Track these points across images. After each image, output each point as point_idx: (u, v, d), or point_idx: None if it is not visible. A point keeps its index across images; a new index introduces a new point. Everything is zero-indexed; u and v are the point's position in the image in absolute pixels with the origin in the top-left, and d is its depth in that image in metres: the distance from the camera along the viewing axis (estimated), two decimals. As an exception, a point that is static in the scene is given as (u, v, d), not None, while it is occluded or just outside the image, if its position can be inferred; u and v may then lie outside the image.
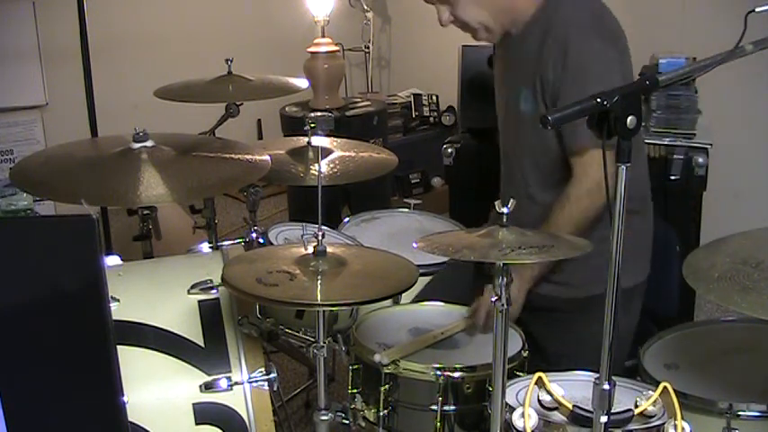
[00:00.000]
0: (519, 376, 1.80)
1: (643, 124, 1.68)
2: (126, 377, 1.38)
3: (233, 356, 1.82)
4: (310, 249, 1.71)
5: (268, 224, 2.44)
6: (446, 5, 2.08)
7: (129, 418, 1.49)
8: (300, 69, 3.94)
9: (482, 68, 3.33)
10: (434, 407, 1.79)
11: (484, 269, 2.10)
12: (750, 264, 1.50)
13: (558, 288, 2.13)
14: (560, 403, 1.59)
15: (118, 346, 1.37)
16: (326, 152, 2.36)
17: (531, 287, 2.06)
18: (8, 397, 1.30)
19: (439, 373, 1.77)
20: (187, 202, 2.70)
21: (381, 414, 1.82)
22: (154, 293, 1.93)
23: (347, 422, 1.89)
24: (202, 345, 1.82)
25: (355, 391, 1.90)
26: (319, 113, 1.90)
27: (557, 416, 1.59)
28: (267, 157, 2.14)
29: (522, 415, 1.56)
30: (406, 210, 2.76)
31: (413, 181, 4.58)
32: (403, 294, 1.86)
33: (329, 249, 1.71)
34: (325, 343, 1.76)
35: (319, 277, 1.65)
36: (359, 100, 4.28)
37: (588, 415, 1.50)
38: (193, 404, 1.76)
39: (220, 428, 1.77)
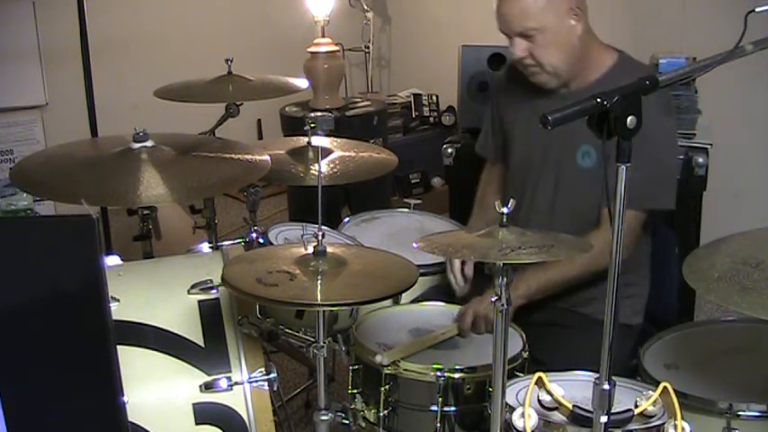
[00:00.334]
0: (519, 376, 1.80)
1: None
2: (126, 377, 1.38)
3: (233, 356, 1.82)
4: (310, 249, 1.71)
5: (268, 224, 2.44)
6: (527, 41, 2.07)
7: (129, 418, 1.49)
8: (300, 69, 3.93)
9: (482, 68, 3.34)
10: (434, 407, 1.79)
11: (484, 269, 2.11)
12: (750, 264, 1.50)
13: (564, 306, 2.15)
14: (560, 403, 1.59)
15: (118, 346, 1.37)
16: (326, 152, 2.36)
17: (525, 303, 2.06)
18: (8, 397, 1.30)
19: (439, 373, 1.77)
20: (187, 202, 2.70)
21: (381, 414, 1.82)
22: (154, 293, 1.93)
23: (347, 422, 1.89)
24: (202, 345, 1.82)
25: (355, 391, 1.90)
26: (319, 113, 1.90)
27: (557, 416, 1.59)
28: (267, 157, 2.14)
29: (522, 415, 1.56)
30: (406, 210, 2.76)
31: (413, 181, 4.58)
32: (403, 294, 1.86)
33: (329, 249, 1.71)
34: (325, 343, 1.76)
35: (319, 277, 1.65)
36: (359, 100, 4.28)
37: (588, 415, 1.50)
38: (193, 404, 1.76)
39: (220, 428, 1.77)
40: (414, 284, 1.68)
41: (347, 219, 2.64)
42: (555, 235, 1.71)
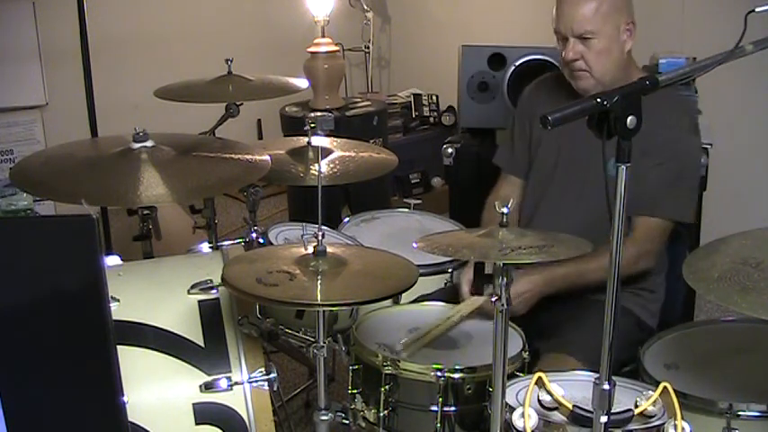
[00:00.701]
0: (519, 376, 1.80)
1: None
2: (126, 377, 1.38)
3: (233, 356, 1.82)
4: (310, 249, 1.71)
5: (268, 224, 2.44)
6: (581, 45, 2.11)
7: (129, 418, 1.49)
8: (300, 69, 3.93)
9: (482, 68, 3.34)
10: (435, 407, 1.79)
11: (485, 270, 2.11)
12: (750, 264, 1.50)
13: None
14: (560, 403, 1.59)
15: (118, 346, 1.37)
16: (326, 152, 2.36)
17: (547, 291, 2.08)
18: (8, 397, 1.30)
19: (439, 373, 1.77)
20: (187, 202, 2.70)
21: (381, 414, 1.82)
22: (154, 293, 1.93)
23: (347, 422, 1.89)
24: (202, 345, 1.82)
25: (355, 391, 1.90)
26: (319, 113, 1.91)
27: (557, 416, 1.59)
28: (267, 157, 2.14)
29: (522, 415, 1.56)
30: (406, 210, 2.76)
31: (413, 181, 4.58)
32: (403, 294, 1.86)
33: (329, 249, 1.71)
34: (325, 343, 1.76)
35: (319, 277, 1.65)
36: (359, 100, 4.28)
37: (588, 415, 1.50)
38: (193, 404, 1.76)
39: (220, 428, 1.77)
40: (414, 284, 1.68)
41: (347, 219, 2.64)
42: (555, 235, 1.71)
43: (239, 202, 4.03)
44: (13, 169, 2.20)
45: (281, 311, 1.96)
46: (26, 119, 4.32)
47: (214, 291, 1.92)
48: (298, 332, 2.00)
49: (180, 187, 1.98)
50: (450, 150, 3.34)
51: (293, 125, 3.84)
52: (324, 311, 1.75)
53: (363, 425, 1.88)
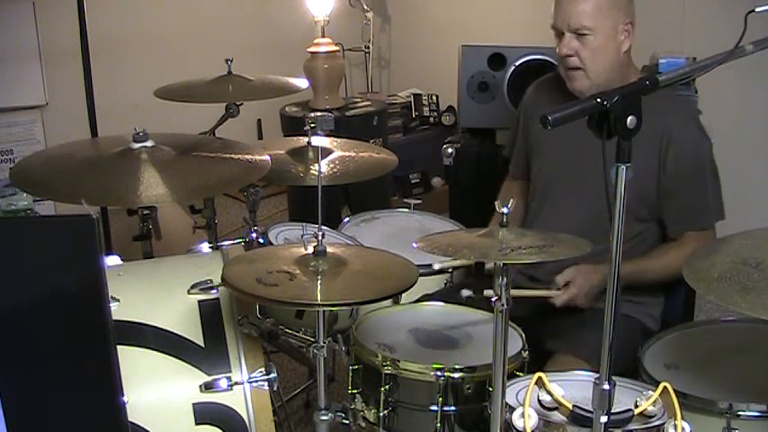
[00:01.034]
0: (519, 376, 1.80)
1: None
2: (126, 377, 1.38)
3: (233, 356, 1.82)
4: (310, 249, 1.71)
5: (268, 224, 2.44)
6: (577, 41, 2.09)
7: (129, 418, 1.49)
8: (300, 69, 3.93)
9: (482, 68, 3.33)
10: (434, 407, 1.79)
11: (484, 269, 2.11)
12: (750, 264, 1.50)
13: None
14: (560, 403, 1.59)
15: (118, 346, 1.37)
16: (326, 152, 2.36)
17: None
18: (8, 397, 1.30)
19: (439, 373, 1.77)
20: (187, 202, 2.70)
21: (381, 414, 1.82)
22: (154, 293, 1.93)
23: (347, 422, 1.89)
24: (202, 345, 1.82)
25: (355, 391, 1.90)
26: (319, 113, 1.91)
27: (557, 416, 1.59)
28: (267, 157, 2.14)
29: (522, 415, 1.56)
30: (406, 210, 2.76)
31: (413, 181, 4.58)
32: (403, 294, 1.86)
33: (329, 249, 1.71)
34: (325, 343, 1.76)
35: (319, 277, 1.65)
36: (359, 100, 4.27)
37: (588, 415, 1.50)
38: (193, 404, 1.76)
39: (220, 428, 1.77)
40: (414, 284, 1.68)
41: (347, 219, 2.64)
42: (555, 235, 1.71)
43: (239, 202, 4.03)
44: (13, 169, 2.20)
45: (281, 311, 1.96)
46: (26, 119, 4.32)
47: (214, 291, 1.92)
48: (298, 332, 2.00)
49: (180, 187, 1.98)
50: (450, 150, 3.34)
51: (293, 125, 3.84)
52: (324, 311, 1.75)
53: (363, 425, 1.88)
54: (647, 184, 2.11)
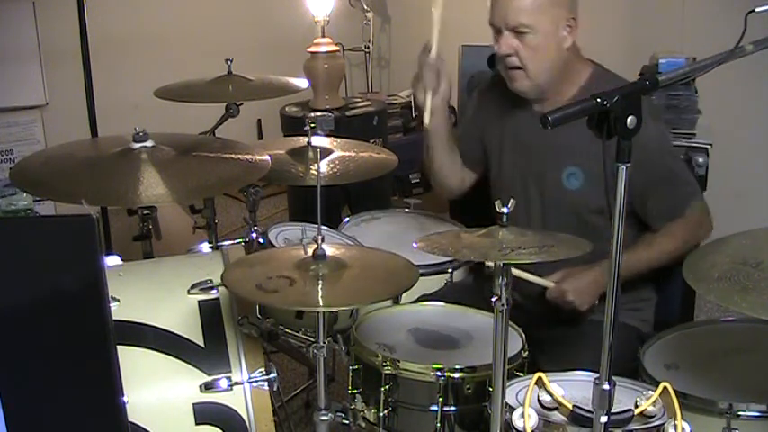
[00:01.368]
0: (519, 376, 1.80)
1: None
2: (126, 377, 1.38)
3: (233, 356, 1.82)
4: (310, 252, 1.71)
5: (268, 224, 2.44)
6: (516, 39, 2.03)
7: (129, 418, 1.49)
8: (300, 69, 3.93)
9: (482, 68, 3.34)
10: (434, 407, 1.79)
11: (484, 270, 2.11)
12: (750, 264, 1.50)
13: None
14: (560, 403, 1.59)
15: (118, 346, 1.37)
16: (326, 152, 2.36)
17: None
18: (8, 397, 1.30)
19: (439, 373, 1.77)
20: (187, 202, 2.70)
21: (381, 414, 1.82)
22: (154, 293, 1.93)
23: (347, 422, 1.89)
24: (202, 345, 1.82)
25: (355, 391, 1.90)
26: (319, 113, 1.91)
27: (557, 416, 1.59)
28: (267, 157, 2.14)
29: (522, 415, 1.56)
30: (406, 210, 2.76)
31: (413, 181, 4.58)
32: (403, 294, 1.86)
33: (329, 252, 1.71)
34: (325, 343, 1.76)
35: (319, 282, 1.65)
36: (359, 100, 4.28)
37: (588, 415, 1.50)
38: (193, 404, 1.76)
39: (220, 428, 1.77)
40: (414, 285, 1.68)
41: (347, 219, 2.64)
42: (555, 235, 1.71)
43: (239, 202, 4.03)
44: (13, 169, 2.20)
45: (282, 312, 1.96)
46: (26, 119, 4.32)
47: (214, 291, 1.92)
48: (298, 332, 2.00)
49: (180, 187, 1.98)
50: (450, 150, 3.33)
51: (293, 125, 3.84)
52: (324, 313, 1.75)
53: (363, 425, 1.88)
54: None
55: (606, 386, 1.42)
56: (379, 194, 3.91)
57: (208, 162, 2.13)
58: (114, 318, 1.48)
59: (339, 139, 2.48)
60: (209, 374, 1.78)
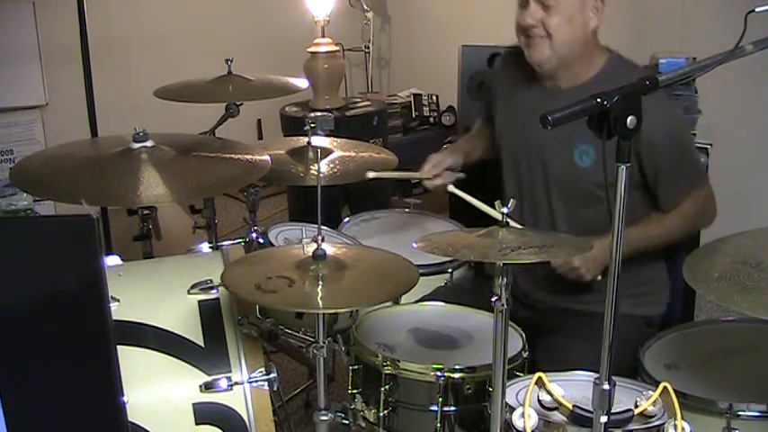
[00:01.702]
0: (519, 376, 1.80)
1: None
2: (126, 377, 1.38)
3: (233, 356, 1.82)
4: (309, 253, 1.71)
5: (268, 224, 2.44)
6: (542, 11, 2.04)
7: (129, 418, 1.49)
8: (300, 69, 3.93)
9: (482, 68, 3.34)
10: (434, 407, 1.79)
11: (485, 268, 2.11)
12: (750, 264, 1.50)
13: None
14: (560, 403, 1.59)
15: (118, 346, 1.37)
16: (326, 152, 2.36)
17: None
18: (8, 397, 1.30)
19: (439, 373, 1.77)
20: (187, 202, 2.70)
21: (381, 414, 1.82)
22: (154, 293, 1.93)
23: (347, 422, 1.89)
24: (202, 345, 1.82)
25: (355, 391, 1.90)
26: (319, 113, 1.91)
27: (557, 416, 1.59)
28: (267, 157, 2.14)
29: (522, 415, 1.56)
30: (406, 210, 2.76)
31: (413, 181, 4.58)
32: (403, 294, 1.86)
33: (329, 252, 1.71)
34: (325, 343, 1.76)
35: (319, 282, 1.65)
36: (359, 100, 4.28)
37: (588, 415, 1.50)
38: (193, 404, 1.76)
39: (220, 428, 1.77)
40: (414, 285, 1.68)
41: (347, 219, 2.64)
42: (555, 235, 1.71)
43: (239, 202, 4.04)
44: (13, 169, 2.20)
45: (282, 312, 1.96)
46: (26, 119, 4.32)
47: (214, 291, 1.92)
48: (298, 332, 2.00)
49: (180, 187, 1.98)
50: (450, 150, 3.33)
51: (293, 125, 3.84)
52: (323, 314, 1.75)
53: (363, 425, 1.88)
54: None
55: (606, 386, 1.42)
56: (379, 194, 3.91)
57: (208, 162, 2.13)
58: (114, 318, 1.48)
59: (339, 139, 2.48)
60: (209, 374, 1.78)
